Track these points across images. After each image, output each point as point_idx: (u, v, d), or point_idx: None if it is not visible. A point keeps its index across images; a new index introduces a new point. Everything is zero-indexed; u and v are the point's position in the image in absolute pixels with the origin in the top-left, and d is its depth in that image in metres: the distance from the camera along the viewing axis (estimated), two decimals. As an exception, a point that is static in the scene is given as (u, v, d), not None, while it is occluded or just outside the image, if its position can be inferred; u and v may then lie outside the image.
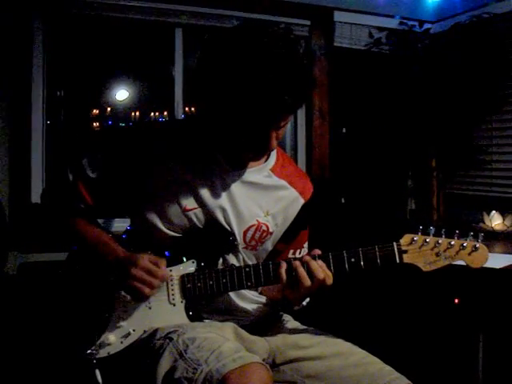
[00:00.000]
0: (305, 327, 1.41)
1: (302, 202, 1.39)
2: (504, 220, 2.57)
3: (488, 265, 1.75)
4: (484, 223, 2.60)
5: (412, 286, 2.18)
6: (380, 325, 2.32)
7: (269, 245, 1.38)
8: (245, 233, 1.32)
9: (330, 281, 1.21)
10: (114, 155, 1.32)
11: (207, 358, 1.07)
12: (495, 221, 2.58)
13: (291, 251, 1.42)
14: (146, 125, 1.42)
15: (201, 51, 1.18)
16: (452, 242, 1.18)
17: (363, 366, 1.23)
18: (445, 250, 1.18)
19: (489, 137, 3.21)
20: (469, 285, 1.94)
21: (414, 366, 1.65)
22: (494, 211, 2.60)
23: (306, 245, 1.46)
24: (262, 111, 1.11)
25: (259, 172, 1.33)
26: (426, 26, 3.40)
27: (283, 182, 1.36)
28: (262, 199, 1.33)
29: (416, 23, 3.39)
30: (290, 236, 1.41)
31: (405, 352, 2.08)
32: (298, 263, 1.21)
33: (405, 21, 3.38)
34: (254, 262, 1.37)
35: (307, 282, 1.20)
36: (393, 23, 3.42)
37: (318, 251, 1.24)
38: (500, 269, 1.75)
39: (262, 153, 1.26)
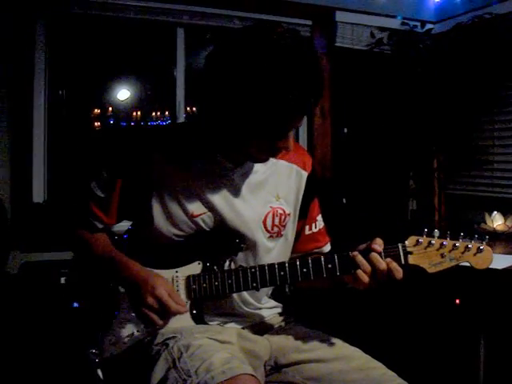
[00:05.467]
0: (308, 330, 1.40)
1: (305, 174, 1.39)
2: (506, 221, 2.56)
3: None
4: (485, 224, 2.59)
5: (413, 286, 2.18)
6: (381, 326, 2.31)
7: (291, 227, 1.38)
8: (264, 223, 1.31)
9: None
10: (117, 170, 1.30)
11: (197, 369, 1.07)
12: (497, 221, 2.58)
13: (307, 227, 1.43)
14: (144, 133, 1.39)
15: (214, 51, 1.15)
16: (457, 244, 1.18)
17: (366, 371, 1.22)
18: (450, 251, 1.18)
19: (490, 137, 3.21)
20: (470, 285, 1.94)
21: (415, 366, 1.64)
22: (495, 212, 2.60)
23: (319, 217, 1.46)
24: (286, 114, 1.10)
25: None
26: (428, 26, 3.40)
27: (282, 162, 1.36)
28: (267, 185, 1.33)
29: (418, 23, 3.39)
30: (303, 212, 1.41)
31: (406, 352, 2.08)
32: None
33: (406, 21, 3.39)
34: (285, 251, 1.38)
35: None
36: (394, 23, 3.41)
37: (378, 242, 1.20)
38: (501, 269, 1.75)
39: (279, 153, 1.23)
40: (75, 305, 1.35)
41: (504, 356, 2.00)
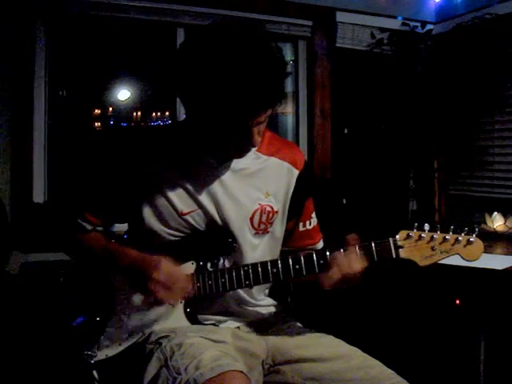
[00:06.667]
0: (306, 329, 1.40)
1: (296, 172, 1.38)
2: (506, 221, 2.57)
3: (489, 266, 1.76)
4: (486, 224, 2.59)
5: (413, 287, 2.18)
6: (381, 326, 2.31)
7: (278, 224, 1.38)
8: (251, 219, 1.31)
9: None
10: (108, 173, 1.32)
11: (187, 366, 1.08)
12: (497, 222, 2.58)
13: (301, 224, 1.43)
14: (136, 135, 1.41)
15: (177, 53, 1.16)
16: (447, 237, 1.19)
17: (364, 369, 1.22)
18: (440, 244, 1.20)
19: (491, 138, 3.21)
20: (470, 286, 1.94)
21: (415, 367, 1.64)
22: (495, 212, 2.60)
23: (313, 215, 1.46)
24: (240, 109, 1.09)
25: (246, 157, 1.29)
26: (428, 26, 3.41)
27: (273, 159, 1.35)
28: (257, 182, 1.33)
29: (418, 24, 3.40)
30: (297, 210, 1.40)
31: (406, 353, 2.08)
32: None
33: (407, 21, 3.39)
34: (271, 247, 1.37)
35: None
36: (395, 24, 3.42)
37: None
38: (501, 270, 1.75)
39: (246, 149, 1.24)
40: (73, 306, 1.36)
41: (504, 356, 2.00)
